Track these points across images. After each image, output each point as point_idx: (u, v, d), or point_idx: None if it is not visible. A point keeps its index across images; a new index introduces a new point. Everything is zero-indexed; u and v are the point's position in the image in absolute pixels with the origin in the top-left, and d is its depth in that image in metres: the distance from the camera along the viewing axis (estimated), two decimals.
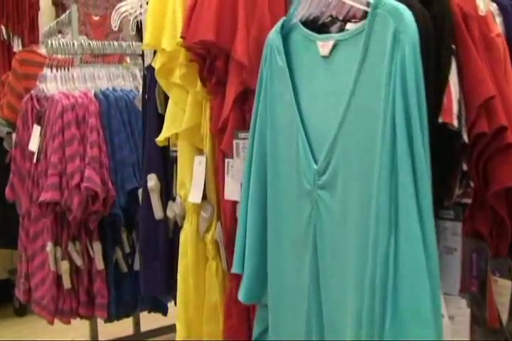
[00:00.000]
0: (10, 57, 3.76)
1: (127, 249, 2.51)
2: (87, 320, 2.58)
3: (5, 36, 3.72)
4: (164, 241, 1.70)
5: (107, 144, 2.41)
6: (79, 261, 2.42)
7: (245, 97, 1.41)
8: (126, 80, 2.65)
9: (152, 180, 1.71)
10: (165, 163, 1.73)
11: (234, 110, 1.41)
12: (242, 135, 1.38)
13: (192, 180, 1.55)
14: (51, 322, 2.46)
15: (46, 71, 2.55)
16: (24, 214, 2.62)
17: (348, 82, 0.99)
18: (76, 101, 2.42)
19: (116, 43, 2.67)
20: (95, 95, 2.48)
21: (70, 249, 2.43)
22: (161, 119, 1.70)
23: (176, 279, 1.62)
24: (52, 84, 2.53)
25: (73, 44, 2.58)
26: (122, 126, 2.45)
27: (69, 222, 2.38)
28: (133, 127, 2.48)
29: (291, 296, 1.17)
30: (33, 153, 2.54)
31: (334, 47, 1.05)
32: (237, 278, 1.44)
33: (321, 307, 1.08)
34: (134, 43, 2.69)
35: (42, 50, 2.88)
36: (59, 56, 2.75)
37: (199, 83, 1.52)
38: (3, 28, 3.72)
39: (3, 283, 4.03)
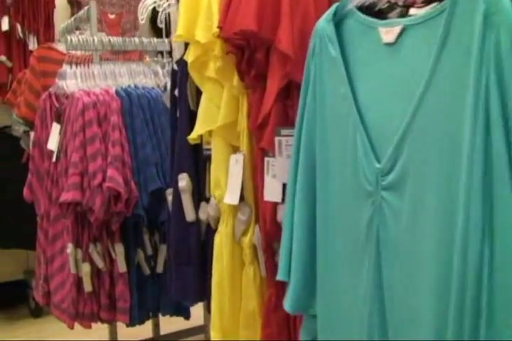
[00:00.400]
0: (25, 56, 3.66)
1: (149, 251, 2.40)
2: (108, 324, 2.48)
3: (20, 34, 3.62)
4: (196, 244, 1.59)
5: (129, 143, 2.31)
6: (100, 264, 2.32)
7: (288, 91, 1.30)
8: (147, 77, 2.55)
9: (183, 180, 1.60)
10: (197, 161, 1.62)
11: (276, 105, 1.30)
12: (284, 132, 1.28)
13: (228, 179, 1.44)
14: (71, 326, 2.36)
15: (66, 68, 2.45)
16: (43, 215, 2.52)
17: (422, 70, 0.87)
18: (97, 99, 2.32)
19: (137, 40, 2.57)
20: (117, 92, 2.37)
21: (91, 250, 2.33)
22: (192, 116, 1.59)
23: (210, 285, 1.51)
24: (72, 81, 2.43)
25: (93, 40, 2.48)
26: (145, 125, 2.35)
27: (90, 222, 2.28)
28: (155, 125, 2.38)
29: (345, 308, 1.06)
30: (52, 152, 2.44)
31: (401, 33, 0.94)
32: (277, 284, 1.33)
33: (384, 320, 0.97)
34: (155, 40, 2.58)
35: (60, 47, 2.77)
36: (78, 53, 2.65)
37: (236, 77, 1.41)
38: (18, 26, 3.62)
39: (18, 283, 3.95)
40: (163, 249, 2.42)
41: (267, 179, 1.34)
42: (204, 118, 1.51)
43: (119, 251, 2.33)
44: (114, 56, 2.67)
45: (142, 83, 2.50)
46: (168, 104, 1.81)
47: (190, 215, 1.60)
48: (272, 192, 1.33)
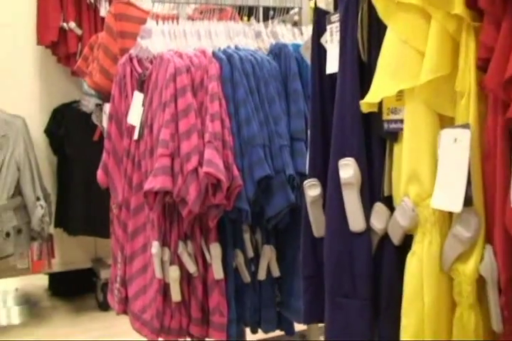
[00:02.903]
0: (96, 22, 3.13)
1: (250, 253, 1.83)
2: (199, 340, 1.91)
3: None
4: (366, 267, 0.99)
5: (230, 117, 1.73)
6: (192, 267, 1.76)
7: None
8: (248, 38, 1.95)
9: (348, 168, 0.99)
10: (370, 140, 1.01)
11: None
12: None
13: (437, 170, 0.84)
14: None
15: (150, 24, 1.87)
16: (121, 204, 1.97)
17: None
18: (192, 62, 1.74)
19: None
20: (214, 54, 1.79)
21: (181, 251, 1.77)
22: (363, 71, 0.98)
23: (389, 325, 0.91)
24: (158, 41, 1.85)
25: None
26: (249, 95, 1.75)
27: (181, 216, 1.72)
28: (262, 96, 1.79)
29: None
30: (133, 128, 1.88)
31: None
32: None
33: None
34: None
35: (139, 3, 2.19)
36: (163, 11, 2.07)
37: (459, 1, 0.79)
38: None
39: (86, 272, 3.48)
40: (266, 251, 1.84)
41: None
42: (392, 71, 0.90)
43: (215, 252, 1.77)
44: (203, 15, 2.08)
45: (242, 44, 1.90)
46: (308, 57, 1.20)
47: (357, 222, 0.99)
48: None
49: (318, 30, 1.16)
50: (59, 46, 3.12)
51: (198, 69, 1.73)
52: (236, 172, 1.69)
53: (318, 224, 1.15)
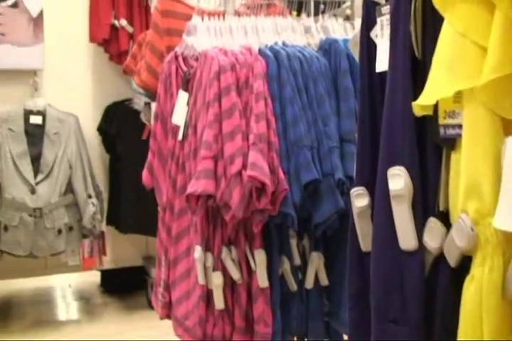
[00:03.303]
0: (148, 20, 3.07)
1: (297, 261, 1.73)
2: None
3: None
4: (418, 290, 0.88)
5: (276, 118, 1.63)
6: (235, 274, 1.68)
7: None
8: (296, 33, 1.84)
9: (399, 179, 0.88)
10: (423, 147, 0.90)
11: None
12: None
13: (499, 183, 0.72)
14: None
15: (195, 21, 1.79)
16: (165, 206, 1.90)
17: None
18: (237, 59, 1.65)
19: None
20: (260, 51, 1.69)
21: (225, 256, 1.69)
22: (416, 69, 0.87)
23: None
24: (203, 37, 1.77)
25: None
26: (297, 94, 1.65)
27: (224, 221, 1.63)
28: (310, 95, 1.68)
29: None
30: (177, 128, 1.81)
31: None
32: None
33: None
34: None
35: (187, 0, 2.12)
36: (209, 7, 1.99)
37: None
38: None
39: (137, 269, 3.47)
40: (314, 259, 1.74)
41: None
42: (449, 69, 0.78)
43: (259, 259, 1.68)
44: (250, 10, 1.98)
45: (290, 40, 1.80)
46: (356, 53, 1.09)
47: (408, 240, 0.88)
48: None
49: (368, 23, 1.05)
50: (111, 44, 3.10)
51: (243, 67, 1.64)
52: (282, 175, 1.59)
53: (365, 237, 1.04)
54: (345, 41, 1.74)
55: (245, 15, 1.87)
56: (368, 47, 1.05)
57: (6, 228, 2.94)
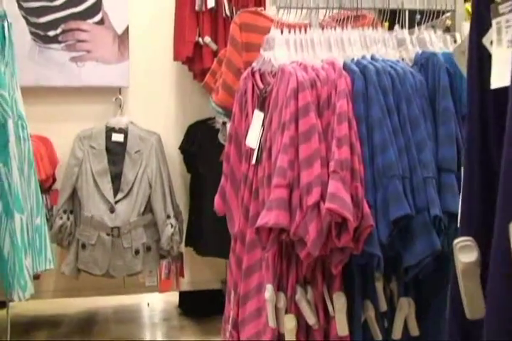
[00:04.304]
0: None
1: (383, 306, 1.47)
2: None
3: (227, 12, 2.87)
4: None
5: (362, 142, 1.39)
6: (311, 319, 1.45)
7: None
8: (388, 47, 1.60)
9: None
10: None
11: None
12: None
13: None
14: None
15: (274, 33, 1.59)
16: (236, 235, 1.70)
17: None
18: (318, 75, 1.43)
19: None
20: (345, 66, 1.46)
21: (299, 298, 1.46)
22: None
23: None
24: (282, 52, 1.56)
25: None
26: (387, 115, 1.41)
27: (299, 258, 1.40)
28: (403, 116, 1.43)
29: None
30: (251, 151, 1.60)
31: None
32: None
33: None
34: None
35: (269, 13, 1.92)
36: (290, 20, 1.78)
37: None
38: (225, 2, 2.87)
39: (215, 293, 3.28)
40: (403, 305, 1.48)
41: None
42: None
43: (339, 303, 1.44)
44: (337, 23, 1.76)
45: (381, 54, 1.55)
46: (462, 64, 0.84)
47: None
48: None
49: (479, 26, 0.80)
50: (194, 62, 2.97)
51: (324, 84, 1.42)
52: (367, 209, 1.34)
53: (472, 302, 0.78)
54: (446, 55, 1.48)
55: (330, 28, 1.65)
56: (480, 57, 0.80)
57: (84, 246, 2.85)
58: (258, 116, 1.59)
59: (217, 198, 1.80)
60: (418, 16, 1.62)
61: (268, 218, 1.36)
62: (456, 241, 0.83)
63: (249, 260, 1.61)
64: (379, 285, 1.45)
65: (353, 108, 1.40)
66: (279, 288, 1.48)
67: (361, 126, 1.40)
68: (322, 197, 1.33)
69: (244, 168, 1.66)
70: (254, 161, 1.59)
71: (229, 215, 1.76)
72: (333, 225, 1.32)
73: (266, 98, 1.58)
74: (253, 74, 1.66)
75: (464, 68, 0.85)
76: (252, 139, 1.61)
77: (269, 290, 1.48)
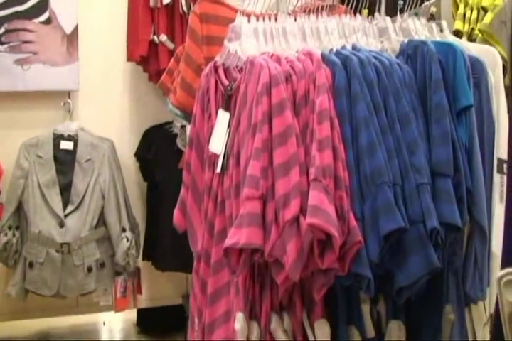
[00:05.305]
0: None
1: (370, 332, 1.25)
2: None
3: (184, 8, 2.63)
4: None
5: (346, 145, 1.17)
6: None
7: None
8: (369, 36, 1.39)
9: None
10: None
11: None
12: None
13: None
14: None
15: (240, 21, 1.36)
16: (199, 254, 1.46)
17: None
18: (293, 67, 1.21)
19: None
20: (324, 57, 1.24)
21: (275, 327, 1.24)
22: None
23: None
24: (250, 42, 1.33)
25: None
26: (373, 113, 1.19)
27: (275, 283, 1.17)
28: (392, 113, 1.22)
29: None
30: (216, 157, 1.36)
31: None
32: None
33: None
34: None
35: (232, 2, 1.69)
36: (256, 10, 1.55)
37: None
38: None
39: (176, 309, 3.01)
40: (392, 329, 1.26)
41: None
42: None
43: (321, 331, 1.21)
44: (309, 14, 1.54)
45: (361, 44, 1.34)
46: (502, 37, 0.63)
47: None
48: None
49: None
50: (150, 62, 2.72)
51: (301, 78, 1.19)
52: (354, 223, 1.12)
53: None
54: (437, 44, 1.28)
55: (303, 17, 1.43)
56: None
57: (31, 265, 2.55)
58: (223, 117, 1.36)
59: (176, 212, 1.55)
60: (401, 2, 1.42)
61: (238, 237, 1.13)
62: (499, 274, 0.61)
63: (215, 283, 1.37)
64: (365, 308, 1.24)
65: (334, 105, 1.18)
66: (251, 316, 1.25)
67: (345, 126, 1.18)
68: (302, 210, 1.11)
69: (207, 177, 1.42)
70: (219, 169, 1.35)
71: (191, 231, 1.52)
72: (315, 243, 1.10)
73: (232, 96, 1.34)
74: (216, 69, 1.43)
75: (503, 42, 0.64)
76: (217, 144, 1.37)
77: (239, 319, 1.24)
